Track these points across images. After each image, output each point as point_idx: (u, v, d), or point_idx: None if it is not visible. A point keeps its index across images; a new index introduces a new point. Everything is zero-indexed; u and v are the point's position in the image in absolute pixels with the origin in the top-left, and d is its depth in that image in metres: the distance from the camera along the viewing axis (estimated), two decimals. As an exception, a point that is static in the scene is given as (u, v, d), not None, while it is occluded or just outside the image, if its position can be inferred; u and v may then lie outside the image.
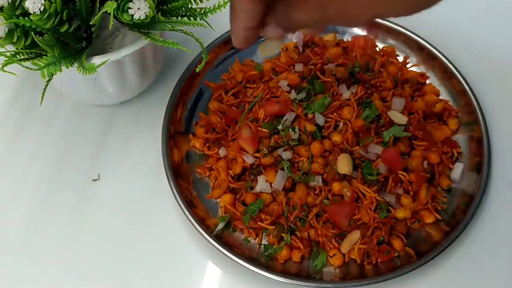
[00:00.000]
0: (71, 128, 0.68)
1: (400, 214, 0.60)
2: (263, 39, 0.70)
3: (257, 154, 0.62)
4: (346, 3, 0.39)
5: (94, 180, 0.65)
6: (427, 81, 0.70)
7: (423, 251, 0.59)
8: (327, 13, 0.40)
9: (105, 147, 0.67)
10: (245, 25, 0.44)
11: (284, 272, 0.58)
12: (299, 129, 0.62)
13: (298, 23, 0.43)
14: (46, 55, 0.54)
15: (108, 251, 0.61)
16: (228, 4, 0.56)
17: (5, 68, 0.53)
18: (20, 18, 0.51)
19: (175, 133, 0.65)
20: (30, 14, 0.50)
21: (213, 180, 0.64)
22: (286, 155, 0.62)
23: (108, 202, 0.64)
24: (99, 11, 0.54)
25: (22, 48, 0.54)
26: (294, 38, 0.70)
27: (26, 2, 0.50)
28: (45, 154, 0.66)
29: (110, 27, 0.51)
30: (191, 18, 0.58)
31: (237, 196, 0.63)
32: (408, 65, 0.71)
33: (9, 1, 0.52)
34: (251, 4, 0.42)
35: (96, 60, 0.56)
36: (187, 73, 0.67)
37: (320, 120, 0.62)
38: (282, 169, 0.61)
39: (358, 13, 0.39)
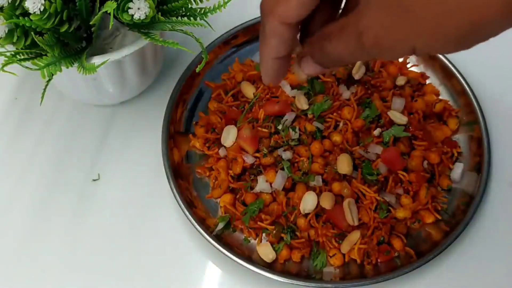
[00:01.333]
0: (71, 128, 0.68)
1: (400, 214, 0.60)
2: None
3: (257, 154, 0.62)
4: (383, 30, 0.34)
5: (94, 180, 0.65)
6: (427, 81, 0.70)
7: (423, 251, 0.59)
8: (362, 43, 0.35)
9: (105, 147, 0.67)
10: (276, 53, 0.39)
11: (284, 272, 0.58)
12: (299, 129, 0.62)
13: (334, 56, 0.37)
14: (46, 55, 0.54)
15: (108, 251, 0.61)
16: (228, 4, 0.56)
17: (5, 68, 0.53)
18: (20, 18, 0.51)
19: (175, 133, 0.65)
20: (30, 14, 0.50)
21: (213, 180, 0.64)
22: (286, 155, 0.62)
23: (108, 202, 0.64)
24: (99, 11, 0.54)
25: (22, 48, 0.54)
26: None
27: (26, 2, 0.50)
28: (45, 154, 0.66)
29: (110, 27, 0.51)
30: (191, 18, 0.58)
31: (237, 196, 0.63)
32: (408, 65, 0.71)
33: (9, 1, 0.52)
34: (284, 28, 0.37)
35: (96, 60, 0.56)
36: (187, 73, 0.67)
37: (319, 125, 0.62)
38: (282, 169, 0.61)
39: (395, 43, 0.34)
